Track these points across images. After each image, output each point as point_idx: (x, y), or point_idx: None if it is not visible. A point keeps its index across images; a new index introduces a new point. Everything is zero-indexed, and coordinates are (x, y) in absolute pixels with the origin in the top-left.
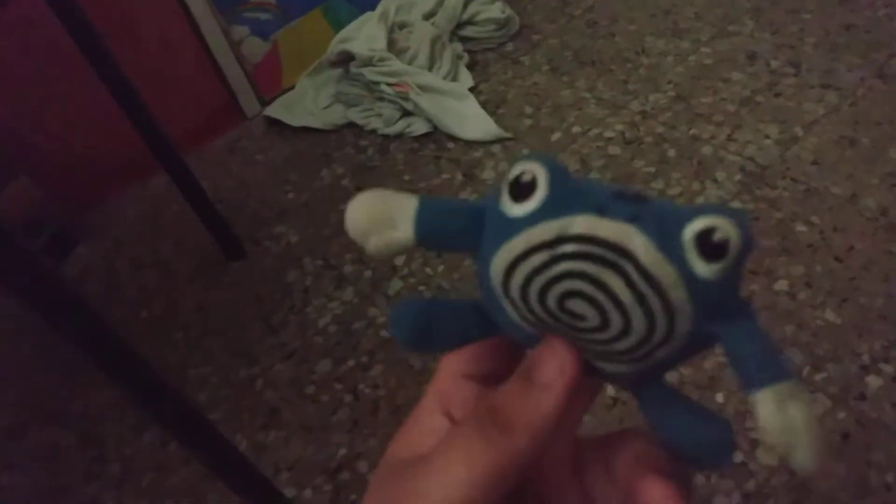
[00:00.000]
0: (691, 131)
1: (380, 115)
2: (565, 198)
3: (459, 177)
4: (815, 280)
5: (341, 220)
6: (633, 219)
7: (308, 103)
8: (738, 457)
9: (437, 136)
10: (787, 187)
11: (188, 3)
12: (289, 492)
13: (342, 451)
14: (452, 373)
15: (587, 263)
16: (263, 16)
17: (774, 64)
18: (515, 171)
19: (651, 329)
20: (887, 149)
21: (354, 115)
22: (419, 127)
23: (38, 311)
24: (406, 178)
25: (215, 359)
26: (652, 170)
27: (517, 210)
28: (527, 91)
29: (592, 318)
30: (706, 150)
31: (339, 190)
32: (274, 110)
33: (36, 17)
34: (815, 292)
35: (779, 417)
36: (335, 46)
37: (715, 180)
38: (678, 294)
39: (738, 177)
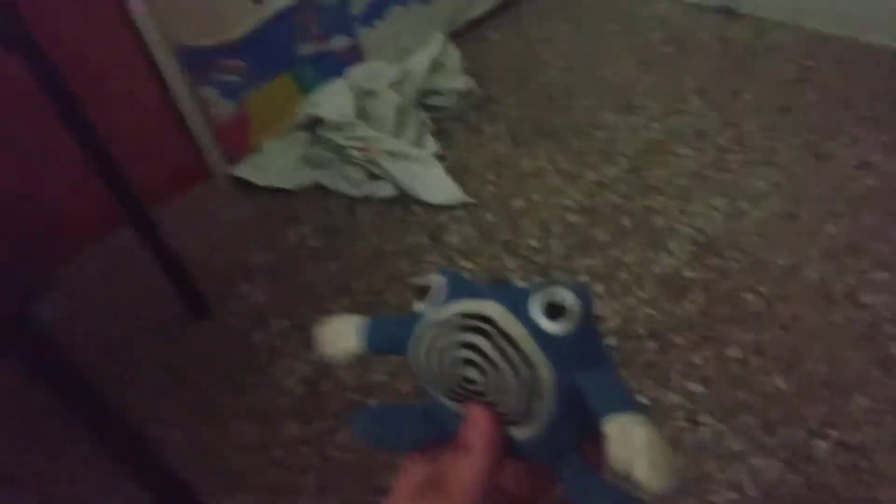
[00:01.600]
0: (645, 202)
1: (347, 178)
2: (451, 292)
3: (426, 240)
4: (763, 348)
5: (308, 281)
6: (494, 296)
7: (276, 164)
8: None
9: (403, 199)
10: (734, 257)
11: (158, 64)
12: None
13: None
14: (414, 460)
15: (463, 333)
16: (232, 78)
17: (720, 141)
18: (420, 280)
19: (518, 379)
20: (824, 224)
21: (322, 177)
22: (386, 190)
23: (21, 366)
24: (374, 240)
25: (179, 418)
26: (608, 238)
27: (419, 306)
28: (489, 159)
29: (479, 380)
30: (659, 220)
31: (306, 250)
32: (242, 170)
33: (7, 70)
34: (765, 359)
35: (620, 438)
36: (304, 110)
37: (667, 250)
38: (530, 346)
39: (689, 247)
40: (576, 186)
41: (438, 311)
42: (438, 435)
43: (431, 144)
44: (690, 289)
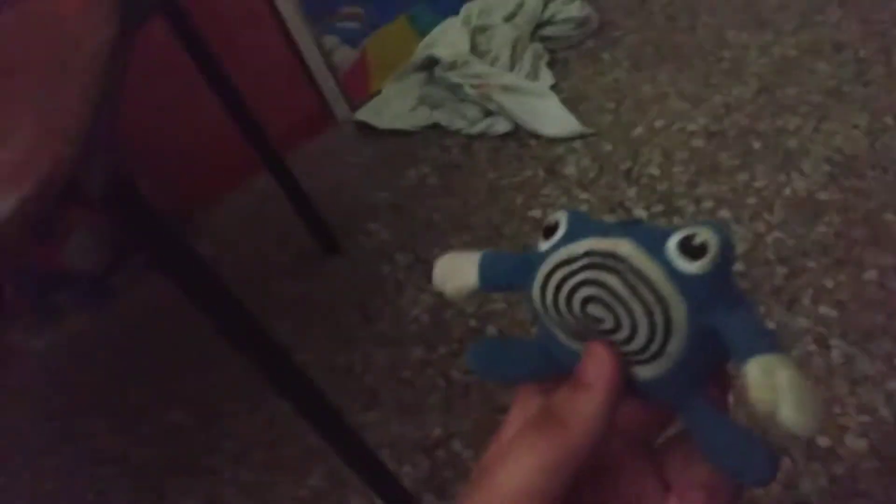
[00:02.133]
0: (777, 123)
1: (463, 116)
2: (578, 230)
3: (542, 173)
4: None
5: (429, 217)
6: (625, 234)
7: (395, 107)
8: (826, 442)
9: (519, 134)
10: (876, 177)
11: (283, 17)
12: (389, 467)
13: (437, 431)
14: (528, 392)
15: (592, 271)
16: (351, 25)
17: (863, 53)
18: (546, 219)
19: (651, 319)
20: None
21: (439, 117)
22: (501, 126)
23: (181, 288)
24: (490, 175)
25: (317, 346)
26: (737, 162)
27: (545, 245)
28: (607, 87)
29: (607, 319)
30: (792, 142)
31: (426, 188)
32: (363, 114)
33: (151, 31)
34: None
35: (763, 379)
36: (420, 52)
37: (801, 171)
38: (664, 285)
39: (824, 168)
40: (700, 110)
41: (566, 249)
42: (554, 370)
43: (547, 76)
44: (825, 211)
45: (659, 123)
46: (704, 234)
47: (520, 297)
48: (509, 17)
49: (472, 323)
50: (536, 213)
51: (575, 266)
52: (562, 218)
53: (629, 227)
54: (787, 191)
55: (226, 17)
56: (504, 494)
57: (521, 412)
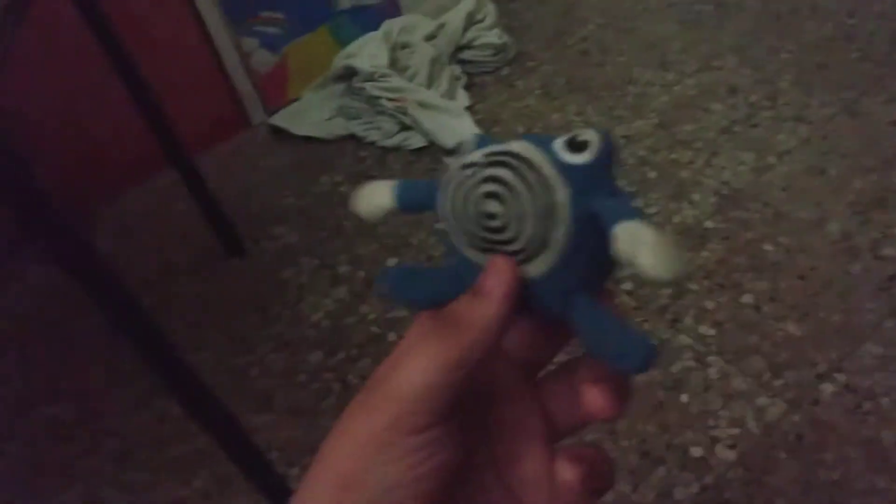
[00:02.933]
0: (672, 155)
1: (379, 129)
2: (483, 145)
3: None
4: (778, 295)
5: (338, 224)
6: (520, 138)
7: (312, 115)
8: (698, 452)
9: (432, 150)
10: (758, 210)
11: (202, 14)
12: (278, 470)
13: None
14: (426, 316)
15: (489, 168)
16: (272, 30)
17: (753, 97)
18: (455, 143)
19: (535, 203)
20: (852, 179)
21: (355, 128)
22: (416, 141)
23: (75, 279)
24: None
25: (212, 346)
26: (633, 189)
27: (450, 161)
28: (520, 112)
29: (499, 211)
30: (684, 173)
31: (337, 196)
32: (279, 119)
33: (58, 12)
34: (778, 306)
35: (627, 234)
36: (340, 62)
37: (691, 201)
38: (549, 170)
39: (712, 199)
40: None
41: (468, 156)
42: (461, 293)
43: (463, 97)
44: (710, 238)
45: None
46: (587, 134)
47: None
48: (430, 38)
49: (374, 329)
50: (443, 225)
51: (475, 167)
52: (470, 139)
53: (525, 136)
54: (678, 218)
55: (139, 7)
56: (401, 394)
57: (417, 326)
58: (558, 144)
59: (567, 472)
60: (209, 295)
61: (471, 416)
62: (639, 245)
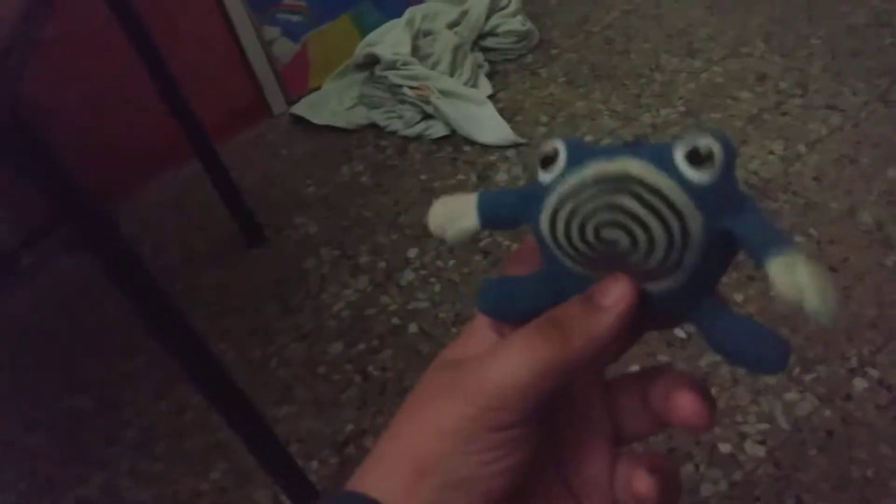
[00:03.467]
0: None
1: (400, 117)
2: (580, 158)
3: (474, 178)
4: None
5: (359, 213)
6: (632, 154)
7: (333, 103)
8: (727, 448)
9: (454, 139)
10: (788, 200)
11: (224, 2)
12: (297, 462)
13: (350, 427)
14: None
15: (605, 196)
16: (294, 18)
17: (783, 85)
18: (542, 148)
19: (669, 233)
20: (885, 168)
21: (376, 116)
22: (438, 130)
23: (101, 266)
24: (423, 177)
25: (232, 336)
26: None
27: (546, 177)
28: (543, 101)
29: (623, 240)
30: None
31: (358, 185)
32: (300, 108)
33: (86, 8)
34: None
35: (787, 277)
36: (361, 49)
37: None
38: (680, 197)
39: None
40: (630, 128)
41: (574, 177)
42: (563, 299)
43: (486, 85)
44: None
45: (590, 138)
46: (708, 143)
47: (443, 297)
48: (452, 25)
49: (395, 320)
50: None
51: (585, 194)
52: (559, 146)
53: (632, 147)
54: None
55: None
56: (494, 388)
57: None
58: (679, 159)
59: (643, 483)
60: (230, 284)
61: (547, 412)
62: (803, 289)
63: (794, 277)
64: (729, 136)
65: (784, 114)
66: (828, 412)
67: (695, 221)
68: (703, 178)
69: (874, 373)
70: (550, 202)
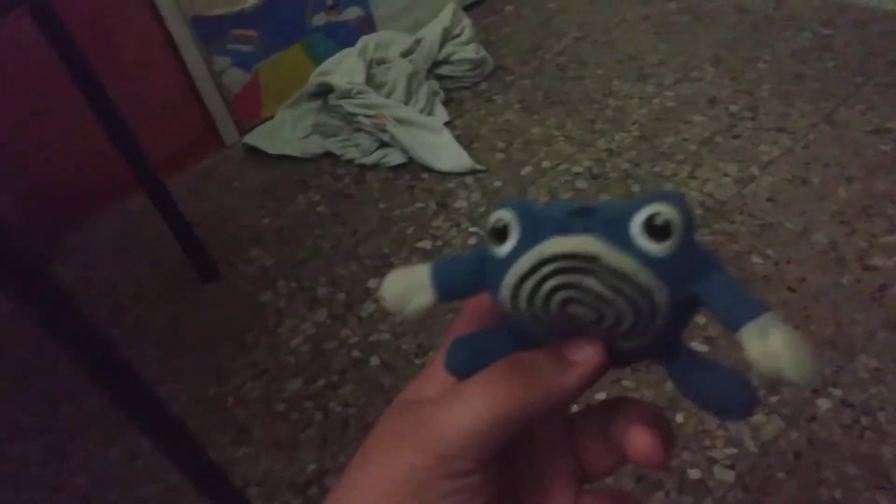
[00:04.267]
0: (654, 168)
1: (357, 146)
2: (533, 229)
3: (433, 206)
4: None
5: (316, 245)
6: (587, 229)
7: (286, 133)
8: (696, 474)
9: (412, 166)
10: (743, 222)
11: (172, 32)
12: None
13: (311, 467)
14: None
15: (565, 276)
16: (245, 48)
17: (733, 108)
18: (491, 220)
19: (637, 309)
20: (836, 188)
21: (332, 145)
22: (395, 157)
23: (35, 315)
24: (381, 206)
25: (186, 376)
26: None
27: (501, 251)
28: (499, 127)
29: (589, 315)
30: (668, 186)
31: (315, 215)
32: (253, 138)
33: (24, 37)
34: None
35: (761, 346)
36: (315, 78)
37: None
38: (644, 277)
39: (697, 211)
40: (585, 153)
41: (530, 256)
42: (528, 348)
43: (442, 113)
44: None
45: (546, 164)
46: (665, 213)
47: (404, 329)
48: (406, 53)
49: (356, 353)
50: (426, 244)
51: (543, 273)
52: (510, 218)
53: (585, 216)
54: None
55: (108, 27)
56: (449, 437)
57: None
58: (636, 231)
59: None
60: (182, 322)
61: (508, 454)
62: (780, 359)
63: (768, 346)
64: (684, 197)
65: (736, 136)
66: (794, 434)
67: (661, 295)
68: (663, 251)
69: (837, 392)
70: (509, 280)
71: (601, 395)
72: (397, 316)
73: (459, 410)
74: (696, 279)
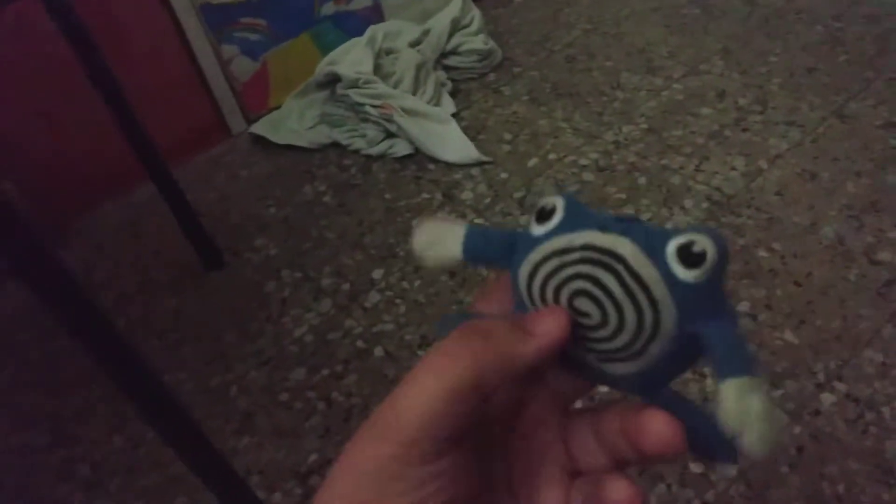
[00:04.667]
0: (661, 161)
1: (363, 136)
2: (575, 220)
3: (439, 197)
4: (775, 303)
5: (321, 235)
6: (625, 232)
7: (293, 123)
8: (698, 468)
9: (418, 157)
10: (751, 216)
11: (180, 20)
12: (259, 495)
13: (313, 457)
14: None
15: (588, 266)
16: (253, 36)
17: (742, 101)
18: (541, 201)
19: (640, 321)
20: (845, 182)
21: (339, 136)
22: (401, 148)
23: (42, 302)
24: (387, 196)
25: (190, 365)
26: (623, 196)
27: (539, 230)
28: (506, 119)
29: (594, 314)
30: (675, 179)
31: (320, 206)
32: (259, 128)
33: (34, 21)
34: (775, 314)
35: (736, 404)
36: (323, 68)
37: (682, 207)
38: (660, 290)
39: (704, 205)
40: (592, 146)
41: (563, 238)
42: None
43: (449, 104)
44: None
45: (553, 156)
46: (704, 243)
47: (408, 319)
48: (414, 44)
49: (360, 344)
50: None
51: (570, 258)
52: (558, 203)
53: (628, 225)
54: (670, 224)
55: (117, 15)
56: (404, 422)
57: (434, 348)
58: (671, 253)
59: (620, 492)
60: (188, 310)
61: (490, 441)
62: (746, 424)
63: (742, 407)
64: (725, 240)
65: (745, 130)
66: (798, 428)
67: (669, 316)
68: (688, 277)
69: (841, 387)
70: (535, 256)
71: None
72: (418, 258)
73: (413, 392)
74: (706, 318)
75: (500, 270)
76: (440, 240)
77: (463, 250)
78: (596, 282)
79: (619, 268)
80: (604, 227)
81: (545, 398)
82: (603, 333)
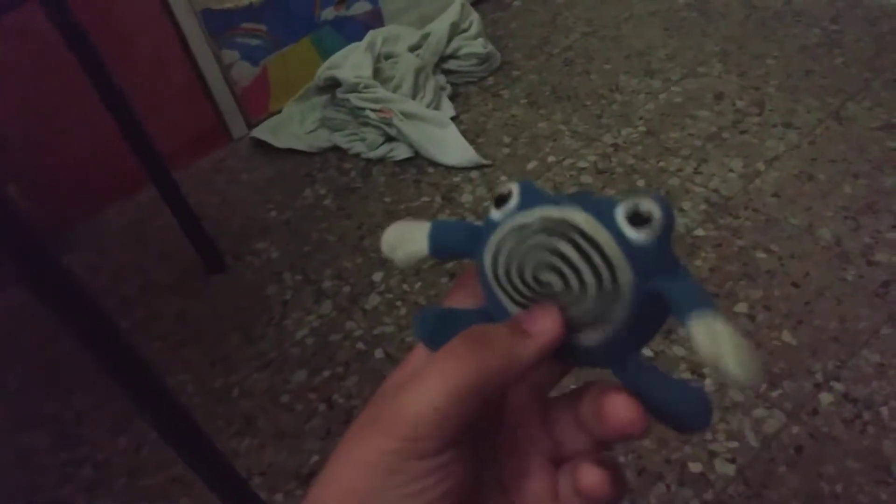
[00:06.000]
0: (660, 164)
1: (363, 140)
2: (531, 201)
3: (439, 200)
4: (772, 303)
5: (322, 238)
6: (576, 204)
7: (294, 127)
8: (697, 468)
9: (418, 161)
10: (748, 217)
11: (181, 26)
12: (261, 496)
13: (315, 458)
14: None
15: (544, 236)
16: (253, 41)
17: (740, 104)
18: (498, 189)
19: (600, 283)
20: (842, 184)
21: (339, 139)
22: (401, 152)
23: (46, 305)
24: (387, 199)
25: (192, 367)
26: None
27: (497, 214)
28: (505, 122)
29: (557, 283)
30: (673, 181)
31: (321, 209)
32: (260, 132)
33: (35, 26)
34: (773, 315)
35: (707, 336)
36: (322, 73)
37: (681, 209)
38: (614, 251)
39: (702, 206)
40: (591, 148)
41: (520, 216)
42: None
43: (448, 107)
44: (702, 247)
45: (552, 159)
46: (649, 205)
47: (409, 321)
48: (414, 48)
49: (361, 346)
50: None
51: (527, 232)
52: (514, 188)
53: (578, 198)
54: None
55: (119, 21)
56: (409, 418)
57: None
58: (620, 216)
59: (588, 477)
60: (190, 313)
61: (480, 435)
62: (721, 348)
63: (713, 338)
64: (669, 202)
65: (742, 132)
66: (796, 428)
67: (624, 275)
68: (639, 238)
69: (839, 387)
70: (495, 237)
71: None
72: (390, 260)
73: (419, 391)
74: (661, 276)
75: (469, 263)
76: (407, 237)
77: (429, 244)
78: (554, 251)
79: (574, 235)
80: (558, 204)
81: (524, 389)
82: (567, 300)
